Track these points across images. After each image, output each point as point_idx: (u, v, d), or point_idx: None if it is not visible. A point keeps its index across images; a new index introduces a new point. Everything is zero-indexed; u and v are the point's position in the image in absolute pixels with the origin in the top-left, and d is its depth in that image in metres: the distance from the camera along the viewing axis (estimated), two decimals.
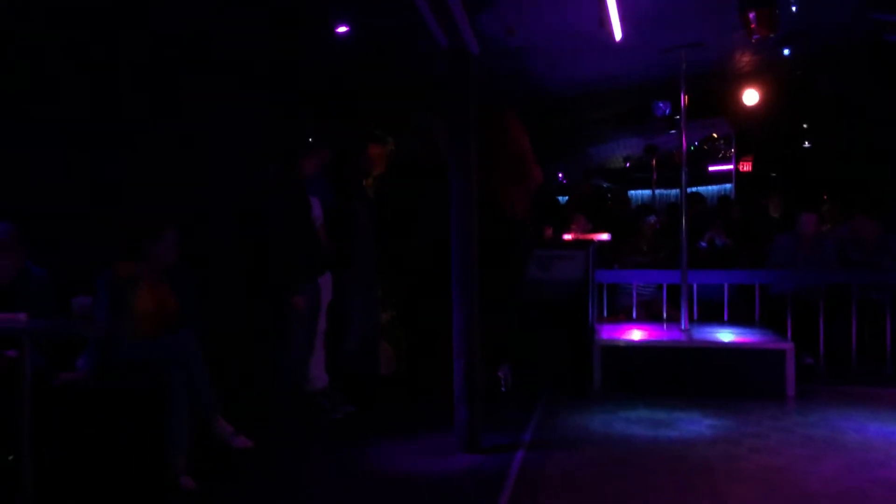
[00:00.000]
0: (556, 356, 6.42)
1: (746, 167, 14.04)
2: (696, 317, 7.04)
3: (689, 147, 15.32)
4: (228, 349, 4.95)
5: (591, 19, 5.97)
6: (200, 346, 4.29)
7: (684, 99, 6.83)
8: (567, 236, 7.43)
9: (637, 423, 5.13)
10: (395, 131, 5.92)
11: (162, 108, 5.23)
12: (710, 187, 15.38)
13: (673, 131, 11.29)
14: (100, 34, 4.72)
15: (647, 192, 15.49)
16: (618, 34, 6.15)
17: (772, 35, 6.44)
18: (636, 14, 6.27)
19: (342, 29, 5.52)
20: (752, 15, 6.33)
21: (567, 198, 11.09)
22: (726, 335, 6.37)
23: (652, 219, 7.74)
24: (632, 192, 17.99)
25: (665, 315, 7.22)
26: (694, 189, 14.03)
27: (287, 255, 4.97)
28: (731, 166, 13.72)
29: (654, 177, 13.82)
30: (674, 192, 14.44)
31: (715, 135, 14.29)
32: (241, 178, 5.55)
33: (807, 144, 12.24)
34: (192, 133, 5.43)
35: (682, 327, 6.61)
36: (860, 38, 7.75)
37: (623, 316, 7.26)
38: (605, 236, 7.75)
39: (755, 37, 6.44)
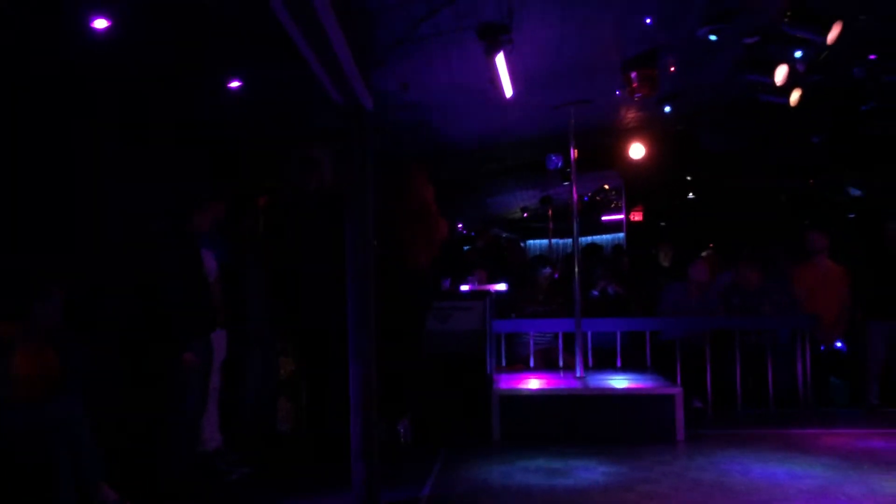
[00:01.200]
0: (455, 407, 6.45)
1: (637, 217, 14.55)
2: (591, 364, 7.20)
3: (582, 198, 15.89)
4: (118, 410, 4.76)
5: (484, 77, 6.15)
6: (85, 410, 4.11)
7: (574, 153, 7.07)
8: (465, 287, 7.53)
9: (535, 472, 5.18)
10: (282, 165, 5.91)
11: (48, 159, 5.06)
12: (604, 236, 15.90)
13: (567, 183, 11.64)
14: None
15: (545, 241, 15.89)
16: (509, 92, 6.35)
17: (653, 94, 6.80)
18: (526, 73, 6.51)
19: (234, 84, 5.50)
20: (634, 75, 6.67)
21: (468, 247, 11.25)
22: (619, 382, 6.54)
23: (547, 270, 7.92)
24: (530, 242, 18.46)
25: (561, 363, 7.36)
26: (589, 238, 14.50)
27: (177, 311, 4.84)
28: (622, 216, 14.23)
29: (551, 226, 14.19)
30: (570, 241, 14.85)
31: (606, 186, 14.83)
32: (132, 234, 5.40)
33: (691, 195, 12.86)
34: (82, 186, 5.27)
35: (578, 375, 6.75)
36: (735, 96, 8.25)
37: (521, 365, 7.36)
38: (502, 286, 7.88)
39: (637, 95, 6.78)
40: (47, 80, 4.86)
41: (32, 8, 4.12)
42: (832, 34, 6.06)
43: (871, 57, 7.37)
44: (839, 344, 7.47)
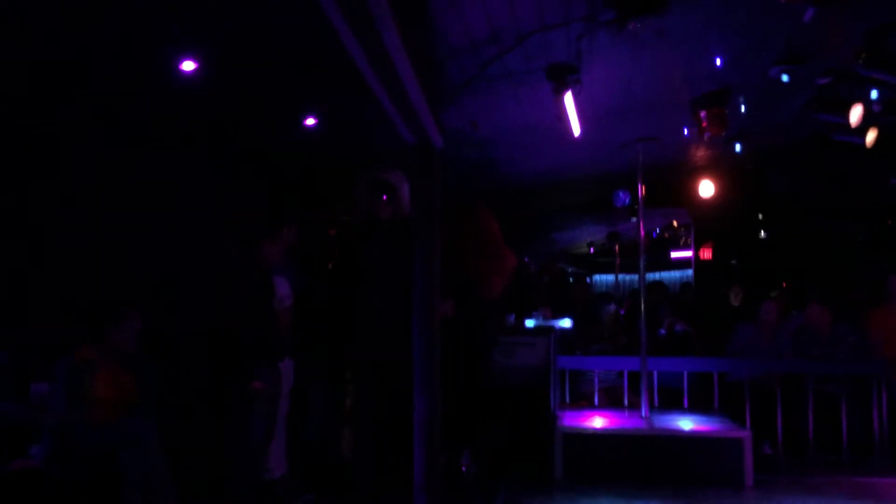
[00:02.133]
0: (518, 443, 6.44)
1: (707, 254, 14.35)
2: (656, 403, 7.12)
3: (650, 234, 15.76)
4: (189, 437, 4.91)
5: (551, 115, 6.22)
6: (158, 433, 4.27)
7: (642, 189, 7.05)
8: (530, 323, 7.55)
9: None
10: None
11: (127, 193, 5.32)
12: (673, 273, 15.71)
13: (634, 219, 11.60)
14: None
15: (611, 276, 15.77)
16: (577, 130, 6.41)
17: (722, 133, 6.77)
18: (594, 111, 6.56)
19: (310, 121, 5.70)
20: (703, 114, 6.65)
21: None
22: (686, 423, 6.44)
23: (612, 307, 7.89)
24: (596, 277, 18.34)
25: (626, 402, 7.29)
26: (657, 275, 14.35)
27: (245, 340, 4.98)
28: (690, 253, 14.06)
29: (618, 262, 14.10)
30: (636, 276, 14.71)
31: (675, 223, 14.68)
32: (206, 264, 5.60)
33: (763, 234, 12.63)
34: (159, 213, 5.51)
35: (643, 415, 6.68)
36: (806, 135, 8.14)
37: (585, 402, 7.31)
38: (567, 323, 7.87)
39: (706, 134, 6.76)
40: (137, 116, 5.14)
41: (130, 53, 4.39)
42: None
43: None
44: None
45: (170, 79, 4.57)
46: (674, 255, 15.48)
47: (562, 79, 5.58)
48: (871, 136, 7.41)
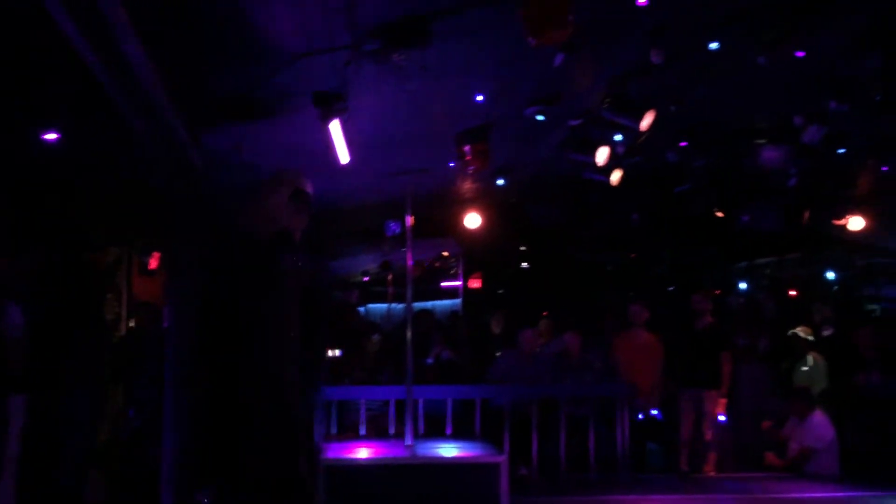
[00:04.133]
0: (280, 479, 6.20)
1: (476, 284, 14.88)
2: (421, 431, 7.21)
3: (422, 264, 16.08)
4: None
5: (320, 142, 6.15)
6: None
7: (410, 220, 7.16)
8: None
9: None
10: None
11: None
12: (444, 301, 16.11)
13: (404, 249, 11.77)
14: None
15: (385, 305, 15.88)
16: (344, 158, 6.37)
17: (485, 167, 7.04)
18: (363, 140, 6.56)
19: (51, 136, 5.22)
20: (467, 148, 6.88)
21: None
22: (448, 450, 6.56)
23: (376, 337, 7.93)
24: (371, 306, 18.42)
25: (392, 431, 7.31)
26: (430, 304, 14.65)
27: None
28: (460, 283, 14.51)
29: (390, 291, 14.23)
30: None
31: (445, 253, 15.10)
32: None
33: (525, 265, 13.33)
34: None
35: (407, 443, 6.71)
36: (563, 172, 8.67)
37: (351, 433, 7.24)
38: (336, 352, 7.79)
39: (471, 168, 7.00)
40: None
41: None
42: (645, 122, 6.54)
43: (682, 144, 7.99)
44: (655, 412, 7.87)
45: None
46: (444, 284, 15.90)
47: (329, 106, 5.53)
48: (616, 175, 8.04)
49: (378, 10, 4.72)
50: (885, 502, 6.28)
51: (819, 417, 7.56)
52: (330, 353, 7.42)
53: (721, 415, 7.58)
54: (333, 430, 7.19)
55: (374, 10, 4.70)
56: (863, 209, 9.94)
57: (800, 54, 5.78)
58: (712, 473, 7.44)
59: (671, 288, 13.54)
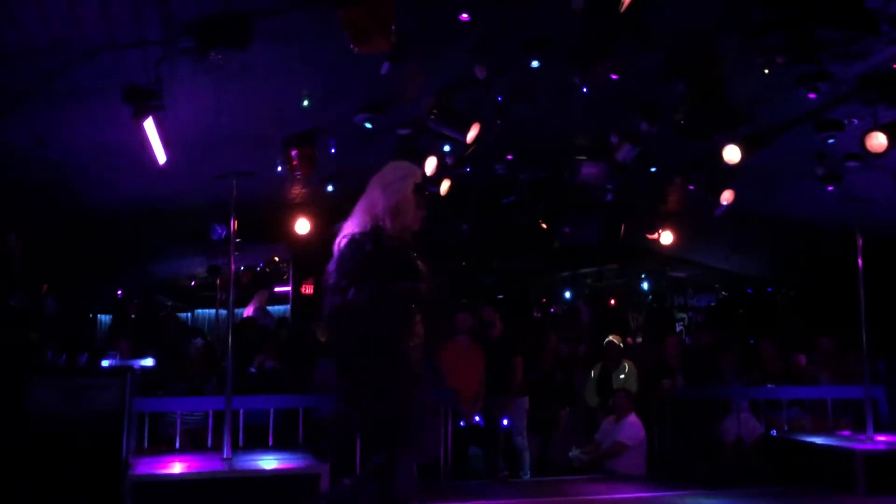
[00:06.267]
0: (82, 498, 5.83)
1: (308, 290, 14.64)
2: (241, 443, 6.98)
3: (254, 268, 15.67)
4: None
5: (135, 140, 5.84)
6: None
7: (234, 223, 6.91)
8: (106, 362, 6.95)
9: None
10: None
11: None
12: (277, 307, 15.76)
13: (238, 253, 11.40)
14: None
15: (213, 311, 15.34)
16: (161, 157, 6.09)
17: (312, 173, 6.94)
18: (184, 140, 6.30)
19: None
20: (294, 153, 6.76)
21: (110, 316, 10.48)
22: (268, 462, 6.36)
23: (199, 342, 7.60)
24: (199, 312, 17.73)
25: (210, 443, 7.02)
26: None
27: None
28: (289, 288, 14.25)
29: (219, 296, 13.75)
30: (239, 311, 14.50)
31: (277, 258, 14.80)
32: None
33: None
34: None
35: (225, 456, 6.46)
36: None
37: (165, 447, 6.89)
38: (149, 361, 7.40)
39: (298, 173, 6.88)
40: None
41: None
42: (471, 134, 6.67)
43: (509, 157, 8.24)
44: (478, 418, 8.02)
45: None
46: (277, 290, 15.57)
47: (142, 103, 5.26)
48: (444, 186, 8.16)
49: (194, 5, 4.52)
50: (688, 501, 6.69)
51: (633, 418, 7.98)
52: (140, 363, 7.02)
53: (505, 418, 7.86)
54: (145, 445, 6.81)
55: (189, 5, 4.51)
56: (672, 225, 10.63)
57: (614, 77, 6.10)
58: (527, 477, 7.68)
59: (500, 296, 13.92)
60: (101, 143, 6.17)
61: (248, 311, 9.02)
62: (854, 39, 5.88)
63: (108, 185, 7.49)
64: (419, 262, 4.06)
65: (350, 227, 4.09)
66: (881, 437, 7.34)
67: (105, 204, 8.10)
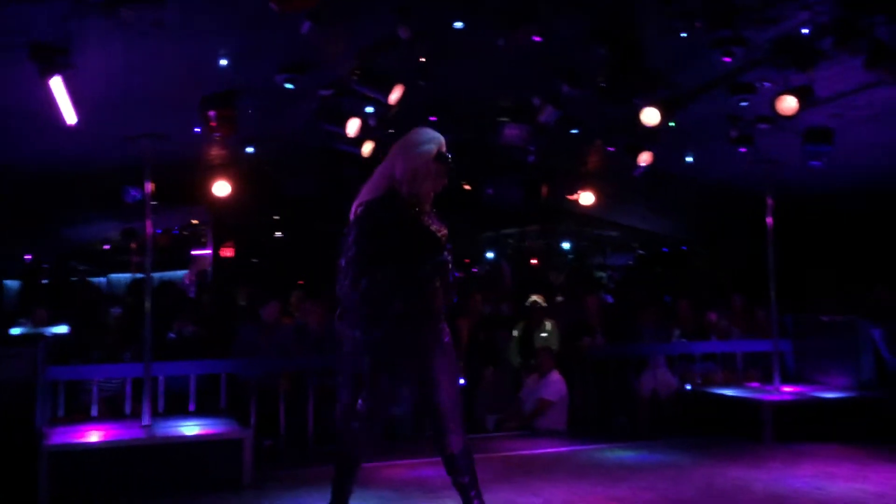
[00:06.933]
0: None
1: (228, 253, 14.39)
2: (162, 410, 6.87)
3: (170, 231, 15.28)
4: None
5: (41, 99, 5.58)
6: None
7: (150, 186, 6.72)
8: (17, 330, 6.71)
9: None
10: None
11: None
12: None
13: (154, 216, 11.09)
14: None
15: (129, 275, 14.92)
16: (71, 118, 5.84)
17: (232, 134, 6.77)
18: (94, 99, 6.05)
19: None
20: (212, 114, 6.58)
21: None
22: (190, 428, 6.29)
23: (117, 310, 7.41)
24: (114, 276, 17.22)
25: (129, 411, 6.88)
26: (179, 273, 13.93)
27: None
28: (209, 251, 13.98)
29: (134, 260, 13.40)
30: (157, 275, 14.14)
31: (195, 221, 14.47)
32: None
33: (279, 235, 13.12)
34: None
35: (144, 423, 6.35)
36: (317, 142, 8.57)
37: (81, 416, 6.72)
38: (63, 328, 7.17)
39: (216, 134, 6.70)
40: None
41: None
42: (394, 95, 6.61)
43: (432, 118, 8.19)
44: None
45: None
46: (195, 253, 15.24)
47: (48, 60, 5.02)
48: (367, 147, 8.09)
49: None
50: (606, 454, 6.91)
51: (556, 376, 8.16)
52: (53, 330, 6.79)
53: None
54: (60, 413, 6.63)
55: None
56: (593, 186, 10.81)
57: (537, 39, 6.12)
58: None
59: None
60: (5, 104, 5.88)
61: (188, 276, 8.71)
62: (768, 4, 6.05)
63: (14, 147, 7.15)
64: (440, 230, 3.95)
65: (367, 193, 3.94)
66: (787, 388, 7.73)
67: (10, 166, 7.75)
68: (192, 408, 7.00)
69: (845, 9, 5.76)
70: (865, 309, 8.25)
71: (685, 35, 6.13)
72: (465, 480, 4.00)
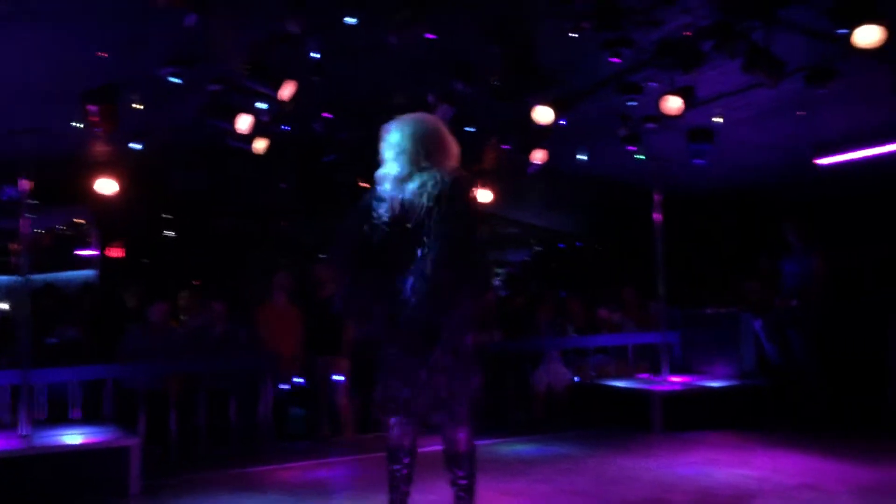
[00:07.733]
0: None
1: (117, 253, 13.81)
2: (44, 417, 6.57)
3: (53, 231, 14.55)
4: None
5: None
6: None
7: (25, 184, 6.39)
8: None
9: None
10: None
11: None
12: (78, 272, 14.72)
13: (32, 215, 10.54)
14: None
15: (9, 277, 14.13)
16: None
17: (114, 129, 6.49)
18: None
19: None
20: (93, 108, 6.29)
21: None
22: (73, 437, 6.01)
23: None
24: None
25: (9, 420, 6.53)
26: (63, 275, 13.26)
27: None
28: (96, 252, 13.38)
29: (13, 262, 12.67)
30: (41, 276, 13.45)
31: (78, 220, 13.81)
32: None
33: (170, 233, 12.70)
34: None
35: (22, 433, 6.03)
36: (206, 137, 8.30)
37: None
38: None
39: (98, 129, 6.41)
40: None
41: None
42: (286, 91, 6.48)
43: (327, 115, 8.10)
44: (301, 380, 7.94)
45: None
46: (80, 253, 14.56)
47: None
48: (260, 144, 7.90)
49: None
50: (503, 448, 6.98)
51: None
52: None
53: (341, 377, 7.83)
54: None
55: None
56: (489, 183, 10.90)
57: (430, 36, 6.12)
58: (350, 435, 7.70)
59: (323, 256, 13.76)
60: None
61: None
62: (652, 7, 6.24)
63: None
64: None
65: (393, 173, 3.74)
66: (675, 379, 8.02)
67: None
68: (75, 415, 6.71)
69: (724, 13, 6.00)
70: (741, 302, 8.64)
71: (575, 35, 6.25)
72: (463, 482, 3.95)
